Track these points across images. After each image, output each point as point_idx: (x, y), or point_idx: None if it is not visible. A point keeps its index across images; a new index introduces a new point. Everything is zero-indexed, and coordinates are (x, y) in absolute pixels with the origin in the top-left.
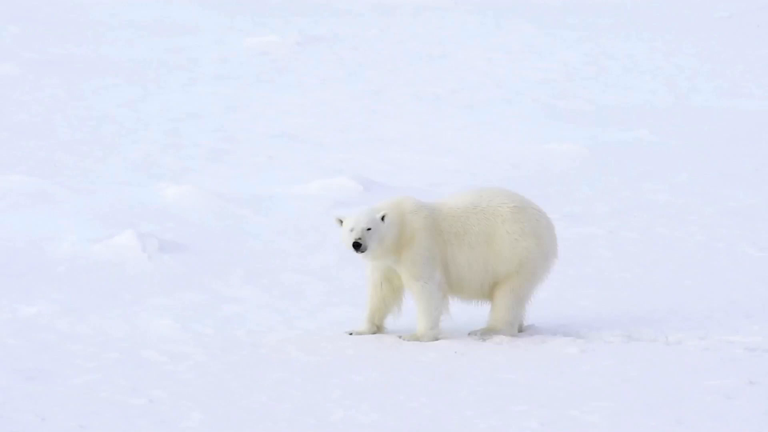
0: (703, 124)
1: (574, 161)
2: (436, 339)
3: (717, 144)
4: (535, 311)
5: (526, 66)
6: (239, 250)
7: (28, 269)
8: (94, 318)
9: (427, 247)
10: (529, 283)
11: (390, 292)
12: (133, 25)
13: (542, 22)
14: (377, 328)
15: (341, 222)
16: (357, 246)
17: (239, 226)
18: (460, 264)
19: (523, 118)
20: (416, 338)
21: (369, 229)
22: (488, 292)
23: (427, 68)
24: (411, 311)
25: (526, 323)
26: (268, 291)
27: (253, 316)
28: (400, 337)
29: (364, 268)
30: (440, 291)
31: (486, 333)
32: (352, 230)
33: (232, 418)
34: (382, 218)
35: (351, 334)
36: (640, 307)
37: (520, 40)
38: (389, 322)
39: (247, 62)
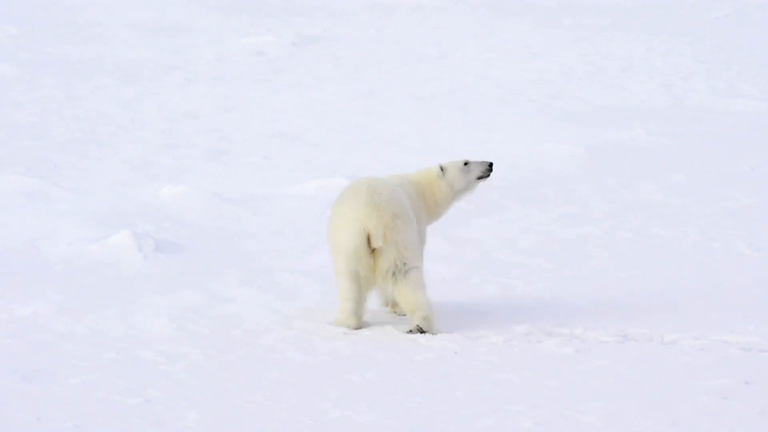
0: (699, 124)
1: (570, 161)
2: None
3: (713, 144)
4: (530, 311)
5: (522, 66)
6: (235, 250)
7: (25, 269)
8: (90, 318)
9: None
10: (335, 262)
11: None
12: (129, 25)
13: (538, 23)
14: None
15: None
16: None
17: (235, 226)
18: None
19: (519, 119)
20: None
21: None
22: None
23: (423, 68)
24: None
25: (519, 326)
26: (264, 291)
27: (249, 316)
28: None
29: None
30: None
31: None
32: None
33: (229, 417)
34: None
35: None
36: (636, 307)
37: (516, 41)
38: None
39: (243, 62)
